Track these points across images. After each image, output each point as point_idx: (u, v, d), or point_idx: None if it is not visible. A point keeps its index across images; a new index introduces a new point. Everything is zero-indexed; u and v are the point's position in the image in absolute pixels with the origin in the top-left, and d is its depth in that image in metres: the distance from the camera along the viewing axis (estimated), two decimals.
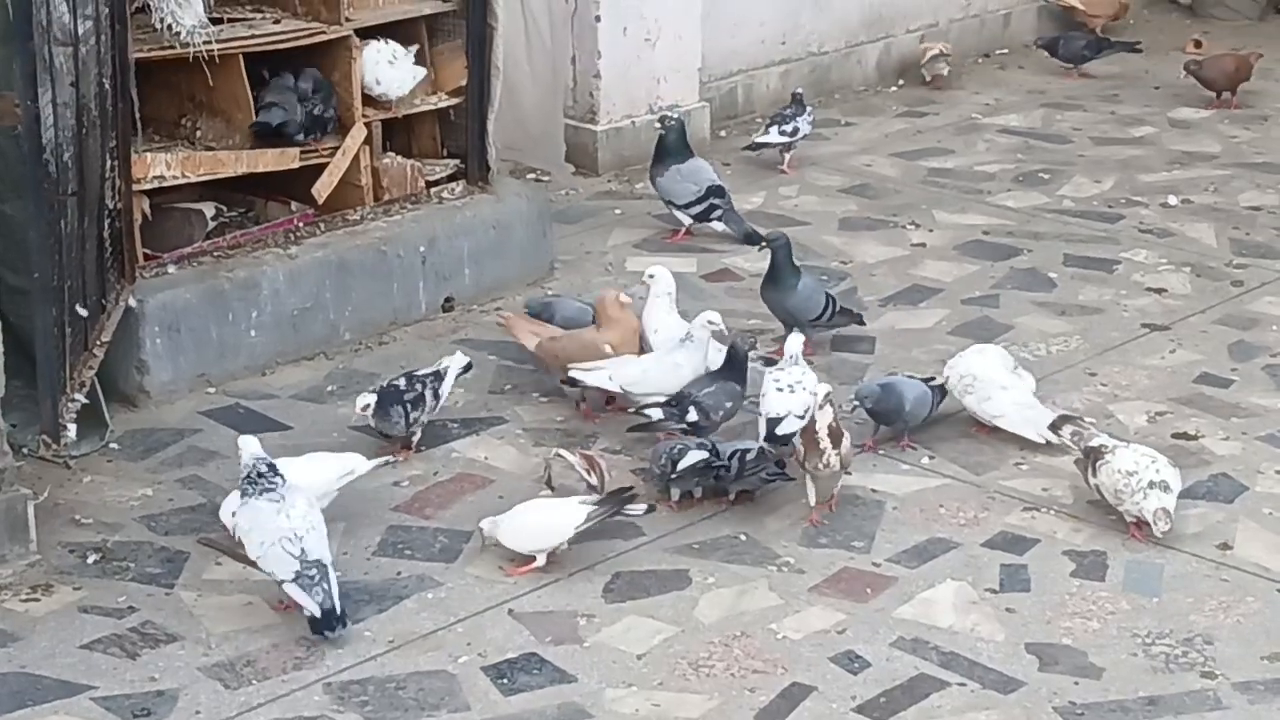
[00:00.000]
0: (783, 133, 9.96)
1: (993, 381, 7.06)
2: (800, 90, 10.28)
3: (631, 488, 6.52)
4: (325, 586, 5.75)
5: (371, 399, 6.88)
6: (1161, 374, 7.67)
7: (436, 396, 6.99)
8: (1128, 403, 7.41)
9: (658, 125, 8.61)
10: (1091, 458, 6.49)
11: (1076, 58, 11.69)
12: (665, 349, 7.23)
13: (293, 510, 5.82)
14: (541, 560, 6.20)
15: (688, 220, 8.93)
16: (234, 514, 6.03)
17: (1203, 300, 8.39)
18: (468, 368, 7.21)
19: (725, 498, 6.66)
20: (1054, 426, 6.82)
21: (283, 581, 5.76)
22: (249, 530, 5.84)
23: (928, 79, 11.39)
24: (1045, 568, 6.27)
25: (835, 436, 6.42)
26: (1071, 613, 6.02)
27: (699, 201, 8.91)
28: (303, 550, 5.75)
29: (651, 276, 7.51)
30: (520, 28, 8.39)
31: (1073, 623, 5.96)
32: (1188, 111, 11.09)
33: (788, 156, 10.04)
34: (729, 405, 6.90)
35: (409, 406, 6.89)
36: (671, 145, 8.96)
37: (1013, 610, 6.03)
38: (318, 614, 5.75)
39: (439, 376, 7.04)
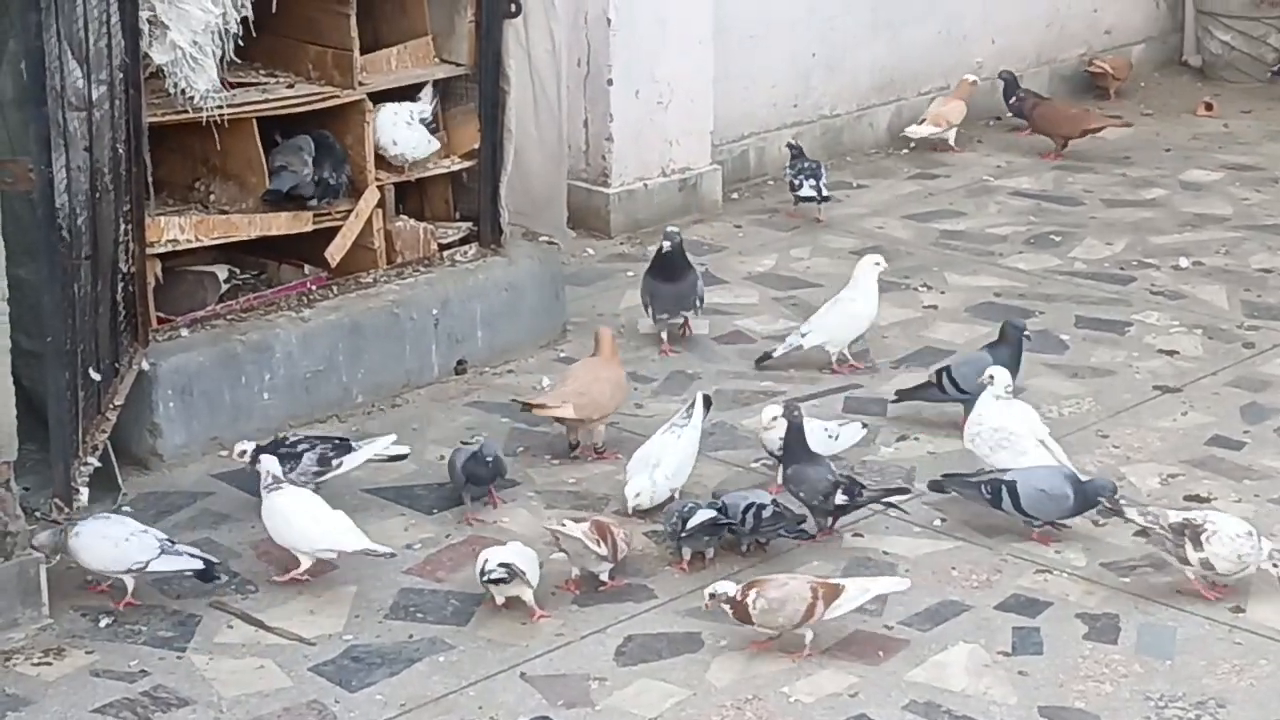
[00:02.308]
0: (813, 187, 10.07)
1: (1026, 436, 7.05)
2: (793, 141, 10.43)
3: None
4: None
5: (250, 445, 6.88)
6: (1173, 436, 7.67)
7: (325, 464, 6.91)
8: (1140, 465, 7.41)
9: (665, 244, 8.38)
10: (1190, 534, 6.32)
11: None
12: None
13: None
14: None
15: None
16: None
17: (1214, 362, 8.39)
18: (399, 457, 7.16)
19: (739, 552, 6.66)
20: (1115, 512, 6.62)
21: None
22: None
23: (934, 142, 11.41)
24: (1058, 630, 6.26)
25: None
26: (1084, 676, 6.00)
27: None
28: None
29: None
30: (528, 92, 8.42)
31: (1085, 686, 5.95)
32: (1199, 174, 11.11)
33: (821, 209, 10.15)
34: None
35: (259, 453, 6.78)
36: (674, 260, 8.48)
37: (1025, 673, 6.02)
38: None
39: (347, 448, 7.00)
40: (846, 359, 8.27)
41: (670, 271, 8.45)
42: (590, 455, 7.47)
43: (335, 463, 6.95)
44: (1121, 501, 6.65)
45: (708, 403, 7.30)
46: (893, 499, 6.96)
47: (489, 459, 6.93)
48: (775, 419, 6.99)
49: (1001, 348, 7.66)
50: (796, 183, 10.10)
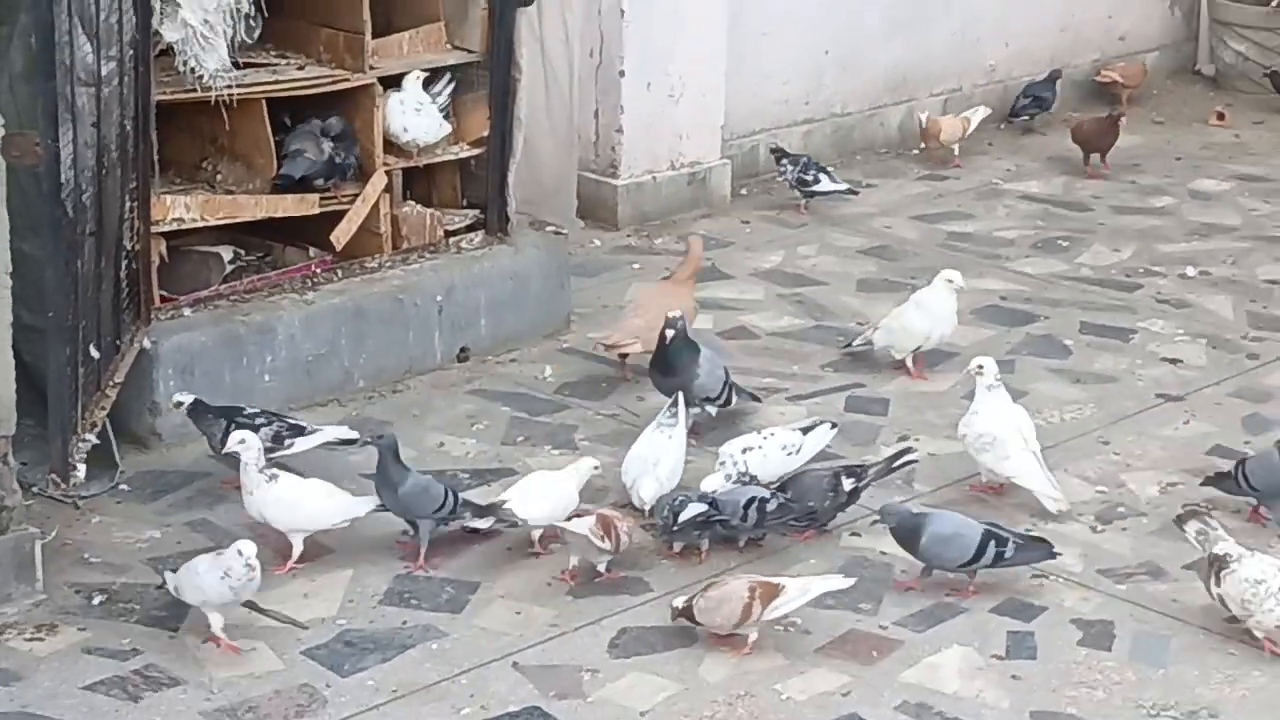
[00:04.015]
0: (833, 180, 10.23)
1: (1010, 440, 7.04)
2: (777, 144, 10.50)
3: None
4: None
5: (188, 397, 6.93)
6: (1175, 445, 7.65)
7: (278, 442, 6.92)
8: (1140, 473, 7.39)
9: (668, 332, 7.49)
10: (1215, 566, 6.18)
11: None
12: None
13: None
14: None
15: (714, 411, 7.68)
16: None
17: (1218, 372, 8.37)
18: (350, 441, 7.17)
19: (736, 548, 6.66)
20: (1180, 520, 6.47)
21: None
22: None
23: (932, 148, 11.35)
24: (1052, 635, 6.24)
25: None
26: (1077, 682, 5.99)
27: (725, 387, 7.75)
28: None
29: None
30: (540, 81, 8.41)
31: (1078, 692, 5.93)
32: (1209, 183, 11.09)
33: (807, 203, 10.30)
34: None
35: (232, 427, 6.74)
36: (674, 352, 7.56)
37: (1018, 677, 6.01)
38: None
39: (301, 430, 7.02)
40: (910, 363, 8.21)
41: (668, 364, 7.50)
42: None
43: (288, 443, 6.97)
44: (1192, 511, 6.49)
45: (688, 401, 7.30)
46: (901, 463, 7.03)
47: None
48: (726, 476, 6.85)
49: None
50: (809, 178, 10.12)
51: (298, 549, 6.48)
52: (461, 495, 6.66)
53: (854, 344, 8.34)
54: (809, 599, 6.12)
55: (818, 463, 7.08)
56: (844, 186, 10.29)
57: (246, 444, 6.48)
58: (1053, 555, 6.51)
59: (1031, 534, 6.67)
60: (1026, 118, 11.88)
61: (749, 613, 6.00)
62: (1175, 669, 6.08)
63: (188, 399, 6.98)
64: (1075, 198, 10.75)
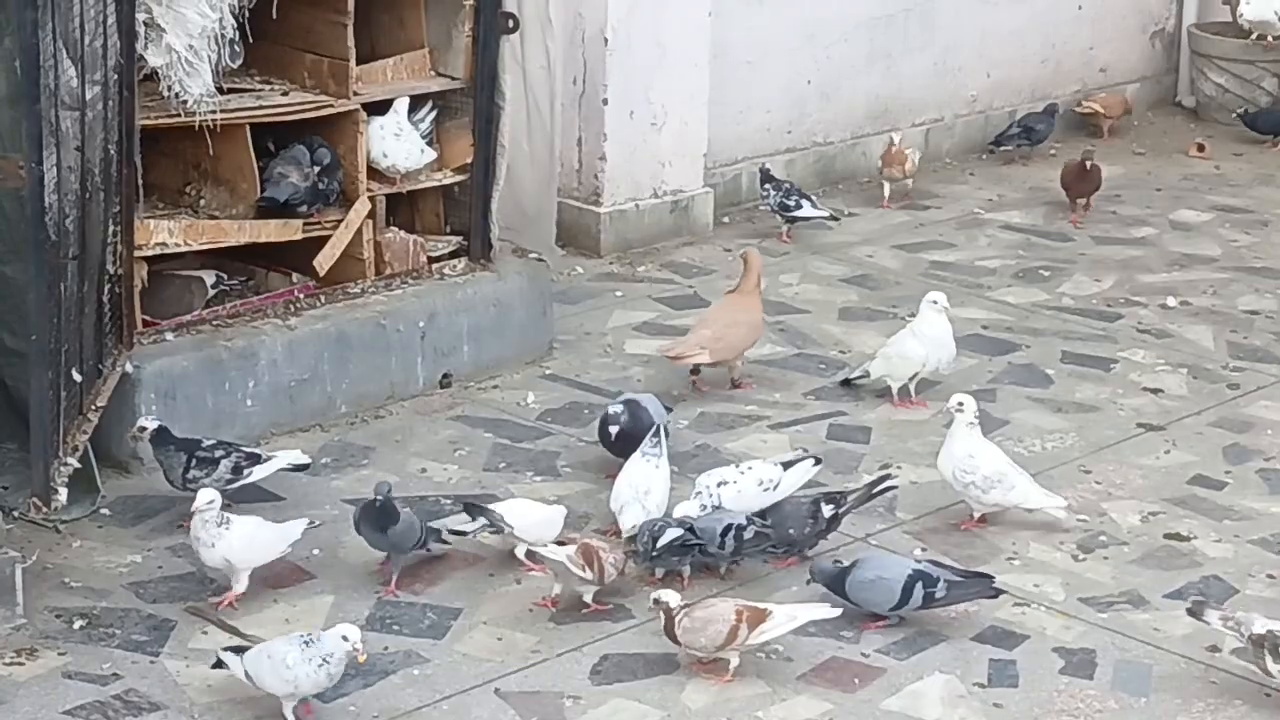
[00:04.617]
0: (815, 206, 10.30)
1: (1009, 471, 7.09)
2: (767, 166, 10.51)
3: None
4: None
5: (153, 424, 6.89)
6: (1156, 474, 7.67)
7: (237, 473, 6.91)
8: (1121, 501, 7.41)
9: (612, 427, 7.31)
10: (1266, 645, 6.03)
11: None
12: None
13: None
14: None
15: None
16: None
17: (1199, 402, 8.39)
18: (303, 467, 7.17)
19: (717, 575, 6.67)
20: (1193, 613, 6.28)
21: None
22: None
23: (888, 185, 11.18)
24: (1034, 664, 6.25)
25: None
26: (1059, 710, 6.00)
27: None
28: None
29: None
30: (522, 108, 8.42)
31: None
32: (1189, 214, 11.12)
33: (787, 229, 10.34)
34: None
35: (194, 462, 6.81)
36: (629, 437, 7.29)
37: (1000, 705, 6.01)
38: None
39: (257, 459, 7.00)
40: (909, 394, 8.21)
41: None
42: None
43: (246, 472, 6.94)
44: (1200, 602, 6.37)
45: (667, 431, 7.31)
46: (881, 488, 7.06)
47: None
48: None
49: None
50: (790, 203, 10.16)
51: (243, 585, 6.40)
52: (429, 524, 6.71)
53: (852, 377, 8.35)
54: (795, 626, 6.12)
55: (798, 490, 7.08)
56: (826, 213, 10.32)
57: (213, 503, 6.37)
58: (993, 593, 6.47)
59: (973, 570, 6.64)
60: (1010, 148, 11.89)
61: (735, 635, 5.99)
62: (1157, 697, 6.08)
63: (152, 425, 6.92)
64: (1057, 228, 10.78)
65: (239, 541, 6.37)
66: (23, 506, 6.57)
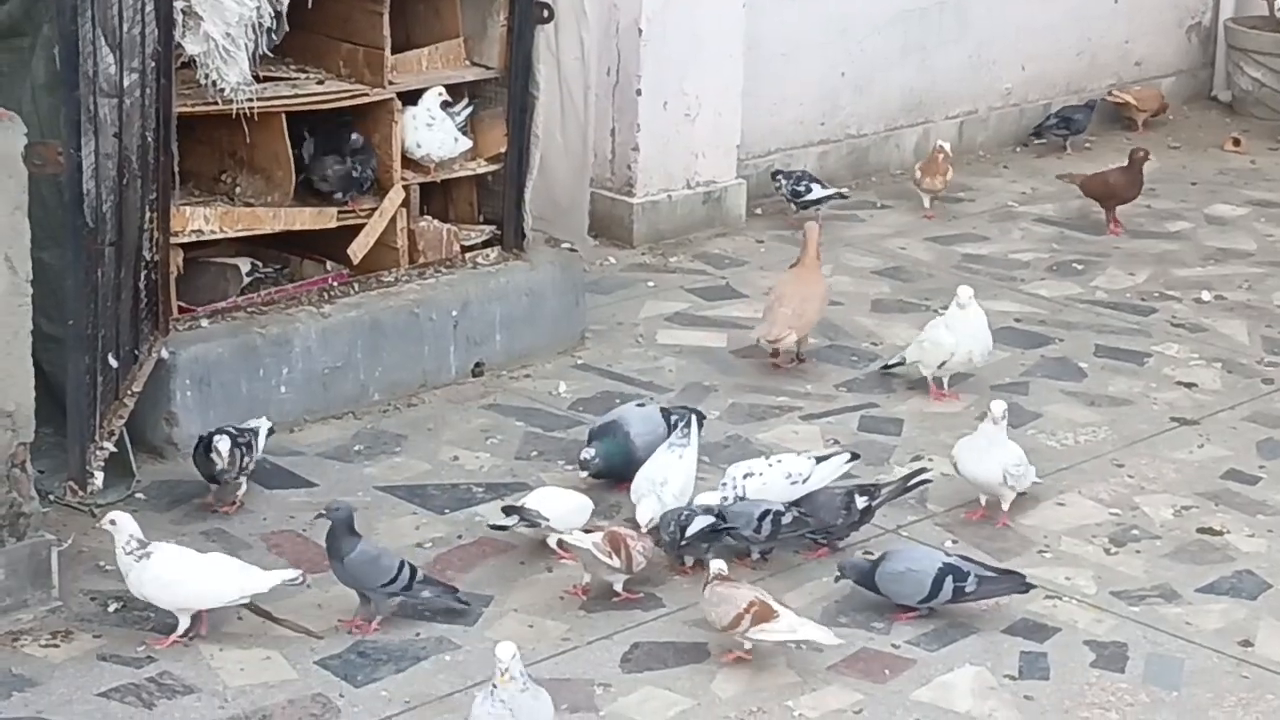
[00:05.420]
0: (823, 187, 10.36)
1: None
2: (776, 168, 10.58)
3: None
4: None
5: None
6: (1189, 468, 7.66)
7: (252, 450, 6.96)
8: (1154, 495, 7.40)
9: (583, 473, 7.24)
10: None
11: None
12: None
13: None
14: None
15: None
16: None
17: (1232, 396, 8.38)
18: (270, 431, 7.20)
19: (749, 564, 6.68)
20: None
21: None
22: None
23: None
24: (1065, 656, 6.25)
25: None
26: (1090, 703, 6.00)
27: None
28: None
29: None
30: (555, 98, 8.44)
31: (1091, 713, 5.94)
32: (1224, 208, 11.10)
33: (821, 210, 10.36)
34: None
35: (243, 450, 6.85)
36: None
37: (1031, 698, 6.01)
38: None
39: (254, 433, 7.05)
40: (941, 384, 8.21)
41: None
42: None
43: (257, 448, 7.01)
44: None
45: (700, 420, 7.30)
46: (915, 482, 7.07)
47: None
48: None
49: None
50: (800, 189, 10.20)
51: (184, 623, 6.13)
52: (420, 570, 6.34)
53: (890, 362, 8.38)
54: (792, 639, 6.08)
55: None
56: (832, 191, 10.31)
57: (118, 525, 6.09)
58: (1024, 588, 6.47)
59: (1003, 567, 6.63)
60: (1050, 140, 11.89)
61: (738, 623, 6.01)
62: (1188, 692, 6.08)
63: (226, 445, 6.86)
64: (1090, 221, 10.75)
65: (154, 578, 6.07)
66: (59, 490, 6.62)
